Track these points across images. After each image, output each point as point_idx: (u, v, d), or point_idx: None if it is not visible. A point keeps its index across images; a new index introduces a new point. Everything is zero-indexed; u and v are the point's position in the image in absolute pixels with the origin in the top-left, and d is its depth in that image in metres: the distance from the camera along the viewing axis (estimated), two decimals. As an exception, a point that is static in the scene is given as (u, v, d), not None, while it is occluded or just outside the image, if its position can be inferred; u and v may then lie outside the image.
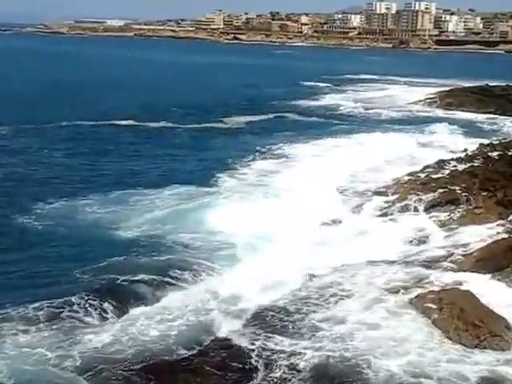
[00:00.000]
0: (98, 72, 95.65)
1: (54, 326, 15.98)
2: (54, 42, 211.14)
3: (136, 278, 18.78)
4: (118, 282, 18.56)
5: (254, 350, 15.19)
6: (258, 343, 15.47)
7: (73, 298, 17.15)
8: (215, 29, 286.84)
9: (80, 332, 15.79)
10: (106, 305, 17.13)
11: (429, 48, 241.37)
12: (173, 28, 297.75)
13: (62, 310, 16.68)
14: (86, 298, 17.31)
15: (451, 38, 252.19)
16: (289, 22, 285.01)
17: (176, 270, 19.46)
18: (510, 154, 32.18)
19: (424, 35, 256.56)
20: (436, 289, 17.50)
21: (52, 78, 79.71)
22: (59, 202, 26.17)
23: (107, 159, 35.60)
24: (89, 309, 16.91)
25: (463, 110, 59.78)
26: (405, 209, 25.53)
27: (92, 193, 27.55)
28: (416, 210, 25.29)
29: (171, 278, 19.06)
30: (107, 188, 28.44)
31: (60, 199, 26.50)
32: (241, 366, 14.74)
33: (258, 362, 14.81)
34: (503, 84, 69.40)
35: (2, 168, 31.88)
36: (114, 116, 48.93)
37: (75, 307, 16.86)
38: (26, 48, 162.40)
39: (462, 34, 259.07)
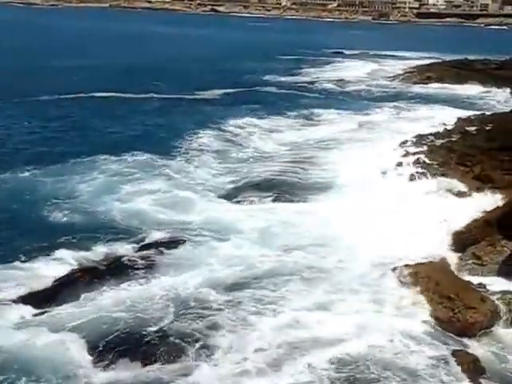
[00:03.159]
0: (77, 45, 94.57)
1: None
2: (32, 14, 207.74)
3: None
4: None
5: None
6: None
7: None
8: (192, 0, 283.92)
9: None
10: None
11: (409, 21, 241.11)
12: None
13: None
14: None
15: (431, 10, 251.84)
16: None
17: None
18: (487, 128, 32.59)
19: (404, 8, 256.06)
20: (412, 263, 17.90)
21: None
22: (17, 173, 26.70)
23: (68, 130, 36.09)
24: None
25: (442, 84, 60.10)
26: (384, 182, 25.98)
27: (45, 162, 28.16)
28: (395, 183, 25.74)
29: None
30: (56, 158, 29.16)
31: (20, 169, 27.11)
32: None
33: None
34: (482, 58, 69.82)
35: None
36: (87, 89, 48.98)
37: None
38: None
39: (443, 7, 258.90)
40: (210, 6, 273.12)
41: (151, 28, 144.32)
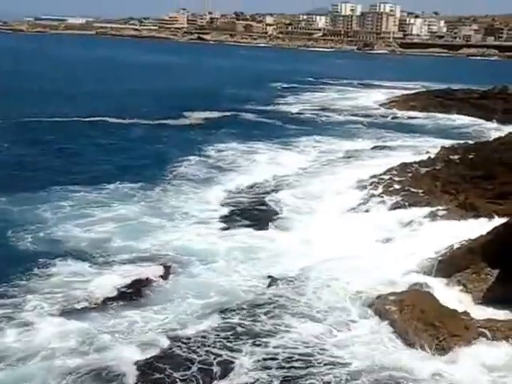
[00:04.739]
0: (64, 70, 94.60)
1: None
2: (17, 39, 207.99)
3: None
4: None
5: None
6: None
7: None
8: (179, 28, 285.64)
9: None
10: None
11: (393, 51, 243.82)
12: (136, 27, 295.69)
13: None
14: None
15: (415, 40, 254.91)
16: (253, 23, 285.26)
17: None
18: (470, 157, 32.77)
19: (388, 38, 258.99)
20: (397, 290, 17.87)
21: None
22: None
23: (47, 155, 35.62)
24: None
25: (426, 113, 60.67)
26: (368, 210, 25.97)
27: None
28: (379, 211, 25.73)
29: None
30: (28, 184, 28.65)
31: None
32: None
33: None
34: (465, 87, 70.63)
35: None
36: (76, 113, 49.03)
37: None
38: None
39: (427, 37, 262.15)
40: (196, 34, 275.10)
41: (137, 55, 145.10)
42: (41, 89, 66.27)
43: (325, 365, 14.89)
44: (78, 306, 17.61)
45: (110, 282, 19.19)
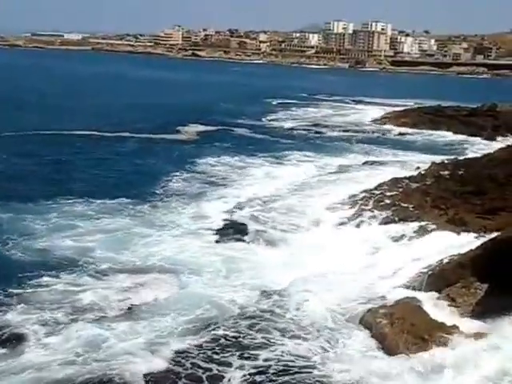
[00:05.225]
0: (61, 85, 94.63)
1: None
2: (14, 55, 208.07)
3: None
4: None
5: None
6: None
7: None
8: (174, 44, 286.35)
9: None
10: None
11: (384, 68, 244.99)
12: (131, 43, 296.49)
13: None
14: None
15: (406, 58, 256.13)
16: (247, 40, 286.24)
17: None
18: (460, 173, 32.87)
19: (380, 55, 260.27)
20: (387, 304, 17.84)
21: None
22: None
23: (40, 168, 35.48)
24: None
25: (417, 130, 60.94)
26: (359, 225, 25.97)
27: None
28: (370, 225, 25.73)
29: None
30: (19, 196, 28.60)
31: None
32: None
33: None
34: (455, 105, 71.02)
35: None
36: (72, 126, 48.96)
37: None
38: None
39: (417, 56, 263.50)
40: (191, 51, 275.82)
41: (133, 71, 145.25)
42: (37, 103, 66.33)
43: (315, 380, 14.76)
44: (65, 319, 17.41)
45: (97, 294, 19.06)
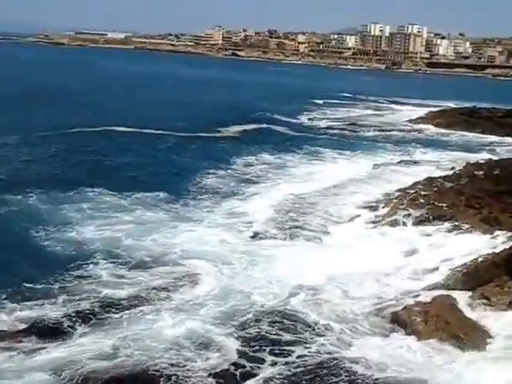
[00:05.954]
0: (105, 82, 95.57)
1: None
2: (58, 53, 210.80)
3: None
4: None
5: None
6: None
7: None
8: (214, 44, 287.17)
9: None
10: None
11: (420, 70, 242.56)
12: (172, 42, 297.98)
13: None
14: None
15: (442, 60, 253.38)
16: (286, 41, 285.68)
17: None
18: (494, 173, 32.31)
19: (416, 57, 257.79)
20: (422, 302, 17.56)
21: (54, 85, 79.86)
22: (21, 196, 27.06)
23: (83, 161, 36.11)
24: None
25: (452, 131, 60.15)
26: (394, 223, 25.62)
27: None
28: (404, 224, 25.39)
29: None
30: (59, 186, 28.98)
31: (25, 193, 27.46)
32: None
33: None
34: (490, 106, 69.95)
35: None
36: (114, 123, 49.27)
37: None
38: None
39: (452, 58, 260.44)
40: (230, 51, 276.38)
41: (174, 69, 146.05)
42: (82, 101, 66.78)
43: (348, 377, 14.52)
44: (104, 310, 17.41)
45: (133, 285, 19.08)
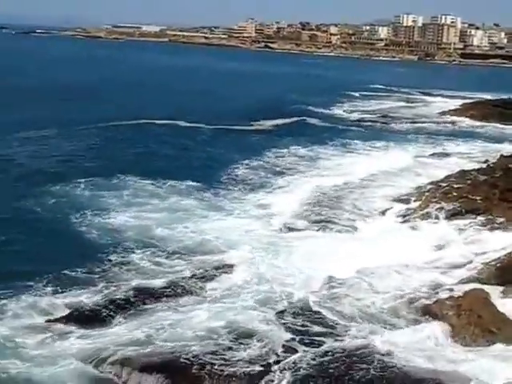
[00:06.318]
0: (143, 76, 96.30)
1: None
2: (95, 46, 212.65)
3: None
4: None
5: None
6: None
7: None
8: (247, 37, 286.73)
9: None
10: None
11: (453, 61, 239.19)
12: (206, 35, 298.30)
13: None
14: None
15: (476, 51, 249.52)
16: (318, 33, 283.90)
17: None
18: (530, 166, 31.79)
19: (449, 48, 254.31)
20: (454, 295, 17.39)
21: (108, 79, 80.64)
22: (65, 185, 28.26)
23: (121, 152, 37.16)
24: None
25: (486, 123, 59.23)
26: (426, 216, 25.38)
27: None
28: (437, 217, 25.12)
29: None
30: (102, 175, 30.15)
31: (69, 182, 28.70)
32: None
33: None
34: (526, 98, 68.76)
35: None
36: (153, 116, 49.77)
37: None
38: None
39: (487, 48, 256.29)
40: (263, 43, 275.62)
41: (208, 62, 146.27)
42: (120, 94, 67.74)
43: (380, 368, 14.46)
44: (139, 298, 17.63)
45: (168, 274, 19.33)
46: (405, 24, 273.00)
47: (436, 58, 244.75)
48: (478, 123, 59.12)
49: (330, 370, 14.38)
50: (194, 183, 29.82)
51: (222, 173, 32.75)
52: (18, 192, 27.14)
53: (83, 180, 28.98)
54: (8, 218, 23.82)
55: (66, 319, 16.26)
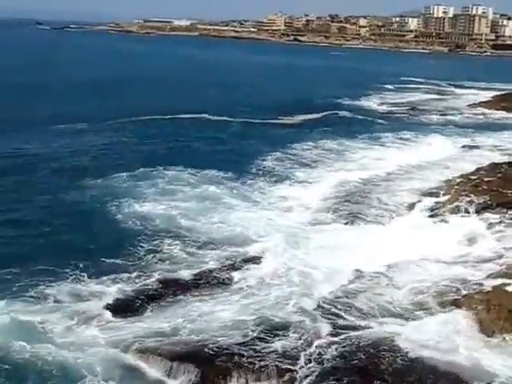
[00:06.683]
0: (173, 69, 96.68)
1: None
2: (127, 40, 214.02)
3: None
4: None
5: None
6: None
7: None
8: (276, 30, 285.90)
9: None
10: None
11: (485, 52, 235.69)
12: (236, 29, 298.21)
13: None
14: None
15: (508, 42, 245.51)
16: (347, 25, 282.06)
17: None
18: (562, 159, 31.28)
19: (480, 39, 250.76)
20: (484, 290, 17.20)
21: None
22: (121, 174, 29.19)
23: (158, 146, 37.80)
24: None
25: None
26: (456, 210, 25.09)
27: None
28: (467, 211, 24.82)
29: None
30: (139, 167, 30.92)
31: (108, 175, 29.26)
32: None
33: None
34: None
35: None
36: (185, 110, 49.94)
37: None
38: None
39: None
40: (292, 36, 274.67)
41: (238, 56, 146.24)
42: (152, 89, 68.13)
43: (406, 360, 14.43)
44: (170, 287, 17.87)
45: (196, 265, 19.53)
46: (435, 15, 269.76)
47: (467, 49, 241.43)
48: (509, 115, 58.21)
49: (357, 362, 14.46)
50: (225, 173, 30.45)
51: (250, 164, 33.10)
52: (60, 184, 27.82)
53: (122, 172, 29.66)
54: (50, 209, 24.42)
55: (99, 306, 16.62)
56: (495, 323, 15.49)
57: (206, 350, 14.72)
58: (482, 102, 66.61)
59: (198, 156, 34.74)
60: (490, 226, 22.97)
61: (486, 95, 72.93)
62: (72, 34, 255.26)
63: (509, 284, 17.45)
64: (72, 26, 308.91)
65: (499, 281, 17.82)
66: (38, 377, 13.71)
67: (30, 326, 15.36)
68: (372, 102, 65.84)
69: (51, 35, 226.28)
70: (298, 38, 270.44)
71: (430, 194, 27.87)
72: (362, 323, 16.08)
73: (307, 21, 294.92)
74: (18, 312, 15.95)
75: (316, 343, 15.12)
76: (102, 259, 19.45)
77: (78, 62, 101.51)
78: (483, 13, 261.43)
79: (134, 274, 18.52)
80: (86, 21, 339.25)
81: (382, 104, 65.02)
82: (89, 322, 15.87)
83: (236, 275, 18.87)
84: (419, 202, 26.80)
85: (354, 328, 15.84)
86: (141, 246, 20.69)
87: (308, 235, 22.60)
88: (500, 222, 23.11)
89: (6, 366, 13.89)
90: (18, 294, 16.91)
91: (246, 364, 14.24)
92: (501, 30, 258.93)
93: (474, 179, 28.94)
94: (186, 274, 18.65)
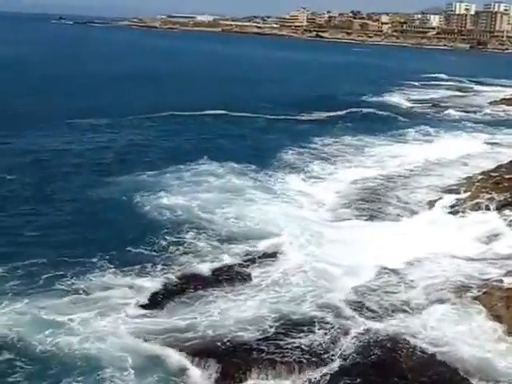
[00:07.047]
0: (196, 66, 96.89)
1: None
2: (150, 36, 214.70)
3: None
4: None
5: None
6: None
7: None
8: (298, 26, 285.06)
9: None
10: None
11: (507, 49, 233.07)
12: (258, 25, 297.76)
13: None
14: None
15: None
16: (369, 21, 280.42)
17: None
18: None
19: (502, 36, 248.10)
20: (503, 287, 17.08)
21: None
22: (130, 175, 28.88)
23: (181, 141, 38.12)
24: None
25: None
26: (476, 207, 24.90)
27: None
28: (487, 208, 24.61)
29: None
30: (164, 162, 31.22)
31: (133, 171, 29.29)
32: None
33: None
34: None
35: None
36: (202, 107, 49.82)
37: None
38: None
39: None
40: (314, 32, 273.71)
41: (260, 51, 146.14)
42: (175, 85, 68.11)
43: (426, 357, 14.37)
44: (191, 282, 17.91)
45: (215, 261, 19.46)
46: (457, 12, 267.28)
47: (488, 46, 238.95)
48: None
49: (375, 357, 14.42)
50: (247, 166, 30.74)
51: (272, 158, 33.23)
52: (86, 179, 27.96)
53: (147, 167, 29.85)
54: (76, 203, 24.56)
55: (123, 298, 16.70)
56: (515, 320, 15.36)
57: (226, 344, 14.73)
58: (503, 99, 65.98)
59: (222, 151, 34.85)
60: (511, 223, 22.78)
61: (508, 92, 72.16)
62: (95, 29, 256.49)
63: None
64: (96, 21, 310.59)
65: (519, 278, 17.72)
66: (61, 367, 13.81)
67: (53, 317, 15.47)
68: (395, 99, 65.38)
69: (74, 30, 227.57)
70: (320, 34, 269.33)
71: (451, 191, 27.66)
72: (384, 319, 16.03)
73: (329, 17, 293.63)
74: (43, 303, 16.08)
75: (337, 339, 15.06)
76: (128, 251, 19.58)
77: (101, 57, 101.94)
78: (505, 10, 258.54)
79: (158, 267, 18.58)
80: (107, 16, 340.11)
81: (405, 100, 64.58)
82: (112, 313, 15.95)
83: (255, 270, 18.84)
84: (440, 199, 26.58)
85: (374, 324, 15.77)
86: (165, 239, 20.79)
87: (326, 230, 22.50)
88: (520, 220, 22.91)
89: (31, 357, 14.02)
90: (44, 286, 17.04)
91: (266, 359, 14.21)
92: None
93: (495, 176, 28.68)
94: (206, 269, 18.65)
